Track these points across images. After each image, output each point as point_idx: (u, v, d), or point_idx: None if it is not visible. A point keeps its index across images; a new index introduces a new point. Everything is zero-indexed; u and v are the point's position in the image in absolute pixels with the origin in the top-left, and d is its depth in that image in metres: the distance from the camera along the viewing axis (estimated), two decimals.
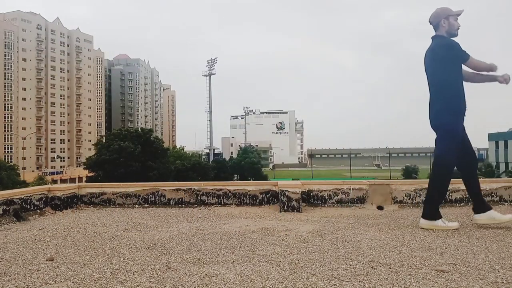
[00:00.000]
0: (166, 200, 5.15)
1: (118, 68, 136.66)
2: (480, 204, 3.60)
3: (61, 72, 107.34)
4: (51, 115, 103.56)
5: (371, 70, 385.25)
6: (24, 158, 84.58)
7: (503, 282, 2.09)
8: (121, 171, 39.25)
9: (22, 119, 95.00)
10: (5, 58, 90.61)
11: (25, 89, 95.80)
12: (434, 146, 3.67)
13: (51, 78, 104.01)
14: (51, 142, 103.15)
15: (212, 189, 5.13)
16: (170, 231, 3.58)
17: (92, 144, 68.95)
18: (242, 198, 5.04)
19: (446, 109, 3.55)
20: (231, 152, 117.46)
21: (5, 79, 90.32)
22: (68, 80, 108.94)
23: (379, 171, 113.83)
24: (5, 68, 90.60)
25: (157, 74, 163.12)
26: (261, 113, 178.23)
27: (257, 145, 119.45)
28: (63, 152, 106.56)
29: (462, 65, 3.62)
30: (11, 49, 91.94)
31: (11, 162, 69.89)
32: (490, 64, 3.62)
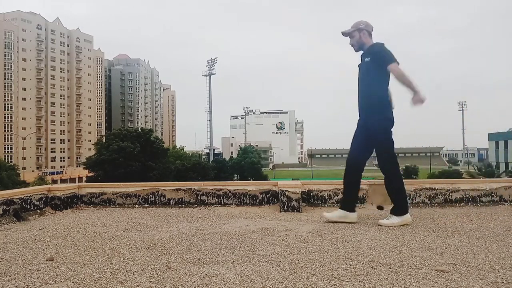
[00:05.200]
0: (166, 200, 5.15)
1: (118, 68, 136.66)
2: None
3: (61, 72, 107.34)
4: (51, 115, 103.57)
5: None
6: (24, 158, 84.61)
7: (503, 282, 2.09)
8: (121, 171, 39.26)
9: (22, 119, 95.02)
10: (5, 58, 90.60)
11: (25, 89, 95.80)
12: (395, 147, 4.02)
13: (51, 78, 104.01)
14: (51, 142, 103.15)
15: (212, 189, 5.12)
16: (170, 231, 3.58)
17: (92, 144, 69.04)
18: (242, 198, 5.03)
19: None
20: (231, 152, 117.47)
21: (5, 79, 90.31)
22: (68, 80, 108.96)
23: (379, 171, 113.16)
24: (5, 68, 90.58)
25: (157, 74, 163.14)
26: (261, 113, 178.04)
27: (257, 145, 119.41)
28: (63, 152, 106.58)
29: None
30: (11, 49, 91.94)
31: (11, 162, 69.99)
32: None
